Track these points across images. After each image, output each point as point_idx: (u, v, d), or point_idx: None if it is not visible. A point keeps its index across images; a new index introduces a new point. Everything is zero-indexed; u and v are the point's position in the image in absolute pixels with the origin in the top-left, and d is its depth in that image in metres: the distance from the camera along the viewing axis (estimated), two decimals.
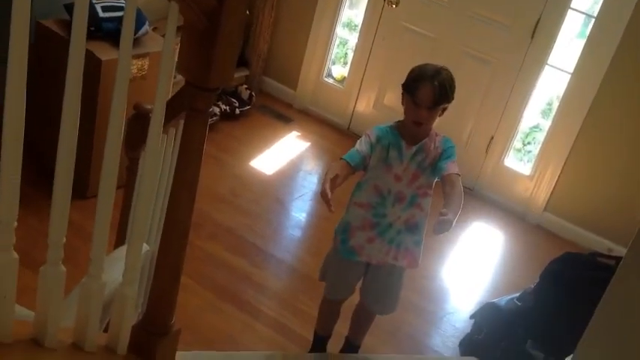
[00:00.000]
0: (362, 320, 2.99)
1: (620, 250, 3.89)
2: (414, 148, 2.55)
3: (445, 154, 2.57)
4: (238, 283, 3.39)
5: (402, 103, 2.54)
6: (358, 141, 2.61)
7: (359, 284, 2.84)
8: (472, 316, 3.32)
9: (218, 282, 3.37)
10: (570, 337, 1.82)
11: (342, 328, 3.06)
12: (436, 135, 2.59)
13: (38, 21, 3.35)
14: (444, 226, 2.25)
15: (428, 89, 2.43)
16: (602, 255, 3.05)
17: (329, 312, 2.97)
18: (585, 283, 2.81)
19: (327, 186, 2.33)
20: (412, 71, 2.52)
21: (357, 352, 3.05)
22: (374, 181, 2.60)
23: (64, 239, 1.35)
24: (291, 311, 3.31)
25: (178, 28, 1.36)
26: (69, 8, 3.37)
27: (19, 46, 1.13)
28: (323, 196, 2.33)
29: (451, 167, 2.54)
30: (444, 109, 2.53)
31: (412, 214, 2.63)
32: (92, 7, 3.31)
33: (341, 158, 2.57)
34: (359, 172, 2.61)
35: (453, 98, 2.51)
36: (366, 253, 2.68)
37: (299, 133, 4.82)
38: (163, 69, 1.36)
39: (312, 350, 3.05)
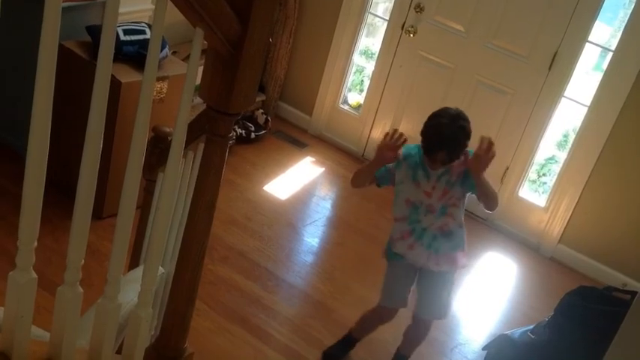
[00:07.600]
0: (414, 334, 3.07)
1: (635, 285, 3.86)
2: (441, 170, 2.71)
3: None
4: (249, 307, 3.39)
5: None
6: None
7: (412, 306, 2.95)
8: (484, 348, 3.29)
9: (229, 305, 3.36)
10: None
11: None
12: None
13: (60, 42, 3.40)
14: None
15: (442, 155, 2.63)
16: (617, 289, 3.02)
17: (374, 318, 3.06)
18: (600, 318, 2.79)
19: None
20: (427, 129, 2.64)
21: None
22: (405, 195, 2.79)
23: (83, 261, 1.36)
24: (302, 337, 3.29)
25: (201, 52, 1.37)
26: (90, 30, 3.42)
27: (46, 69, 1.14)
28: (386, 138, 2.65)
29: None
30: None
31: (445, 222, 2.79)
32: None
33: None
34: (385, 186, 2.85)
35: (467, 145, 2.66)
36: (410, 258, 2.84)
37: (313, 159, 4.84)
38: (186, 93, 1.37)
39: (337, 345, 3.18)
